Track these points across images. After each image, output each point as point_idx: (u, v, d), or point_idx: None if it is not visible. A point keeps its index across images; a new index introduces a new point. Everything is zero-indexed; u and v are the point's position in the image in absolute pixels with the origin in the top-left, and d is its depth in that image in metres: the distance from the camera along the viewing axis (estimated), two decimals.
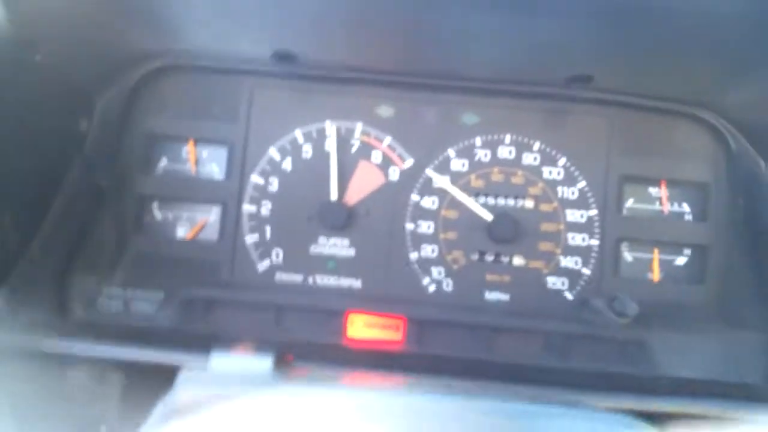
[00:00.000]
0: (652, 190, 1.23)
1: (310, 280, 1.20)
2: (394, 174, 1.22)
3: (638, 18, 0.86)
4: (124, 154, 1.20)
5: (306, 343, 1.05)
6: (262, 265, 1.20)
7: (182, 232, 1.23)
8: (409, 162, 1.22)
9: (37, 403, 1.03)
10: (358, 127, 1.22)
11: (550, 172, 1.21)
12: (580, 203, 1.20)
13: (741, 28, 0.85)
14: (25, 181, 1.01)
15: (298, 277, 1.20)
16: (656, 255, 1.21)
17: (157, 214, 1.23)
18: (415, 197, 1.21)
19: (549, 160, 1.21)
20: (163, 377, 0.86)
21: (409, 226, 1.21)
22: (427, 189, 1.21)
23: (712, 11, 0.81)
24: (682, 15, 0.83)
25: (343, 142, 1.22)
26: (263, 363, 0.66)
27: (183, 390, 0.59)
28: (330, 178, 1.19)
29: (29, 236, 1.04)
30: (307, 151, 1.22)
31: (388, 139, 1.22)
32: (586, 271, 1.19)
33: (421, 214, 1.21)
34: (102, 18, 0.99)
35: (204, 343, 0.95)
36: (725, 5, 0.81)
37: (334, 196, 1.19)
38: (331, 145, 1.21)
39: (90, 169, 1.13)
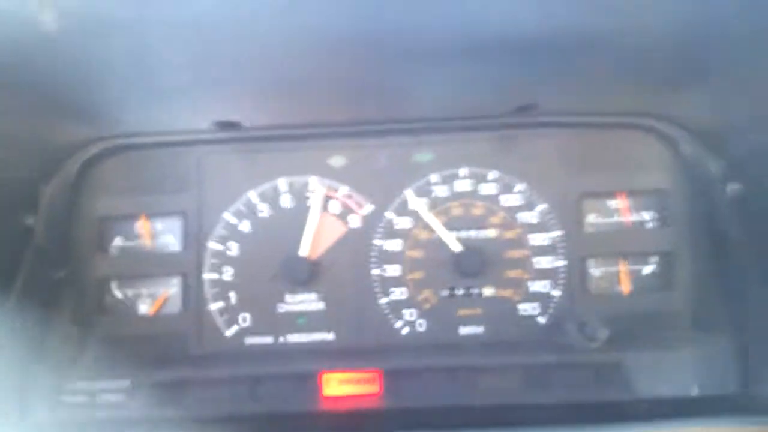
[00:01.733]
0: (612, 203, 1.23)
1: (281, 339, 1.18)
2: (354, 221, 1.21)
3: (572, 47, 0.86)
4: (76, 239, 1.18)
5: (281, 414, 1.02)
6: (230, 331, 1.18)
7: (145, 308, 1.20)
8: (369, 207, 1.21)
9: None
10: (312, 180, 1.21)
11: (509, 199, 1.21)
12: (542, 226, 1.21)
13: (675, 44, 0.86)
14: None
15: (268, 339, 1.18)
16: (623, 267, 1.21)
17: (117, 294, 1.20)
18: (378, 242, 1.20)
19: (506, 188, 1.21)
20: None
21: (376, 271, 1.20)
22: (390, 232, 1.21)
23: (643, 34, 0.81)
24: (613, 41, 0.83)
25: (299, 196, 1.21)
26: None
27: None
28: (303, 233, 1.18)
29: None
30: (263, 210, 1.20)
31: (344, 189, 1.21)
32: (556, 293, 1.19)
33: (387, 257, 1.20)
34: (33, 115, 0.97)
35: (178, 428, 0.93)
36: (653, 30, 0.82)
37: (305, 251, 1.17)
38: (313, 200, 1.20)
39: (42, 262, 1.10)
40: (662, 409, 0.98)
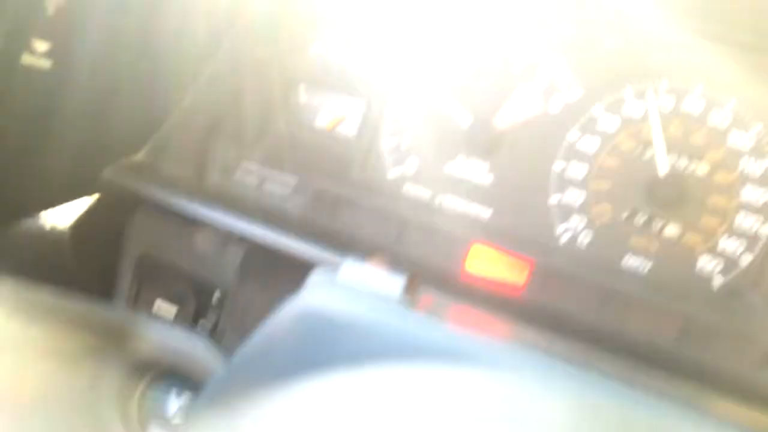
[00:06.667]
0: None
1: (439, 197, 1.14)
2: (555, 105, 1.09)
3: None
4: (282, 29, 1.16)
5: (424, 265, 1.00)
6: (394, 172, 1.15)
7: (323, 121, 1.19)
8: (577, 93, 1.08)
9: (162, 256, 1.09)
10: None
11: (738, 138, 1.04)
12: (764, 181, 1.03)
13: None
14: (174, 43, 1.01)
15: (426, 193, 1.14)
16: None
17: (303, 98, 1.20)
18: (572, 135, 1.09)
19: (740, 124, 1.03)
20: (282, 262, 0.87)
21: (558, 165, 1.09)
22: (589, 128, 1.08)
23: None
24: None
25: (511, 56, 1.10)
26: (394, 283, 0.62)
27: (312, 293, 0.57)
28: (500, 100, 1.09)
29: (176, 97, 1.05)
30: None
31: (560, 59, 1.08)
32: (747, 259, 1.04)
33: (575, 155, 1.09)
34: None
35: (328, 239, 0.94)
36: None
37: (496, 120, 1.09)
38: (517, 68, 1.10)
39: (246, 41, 1.11)
40: None
